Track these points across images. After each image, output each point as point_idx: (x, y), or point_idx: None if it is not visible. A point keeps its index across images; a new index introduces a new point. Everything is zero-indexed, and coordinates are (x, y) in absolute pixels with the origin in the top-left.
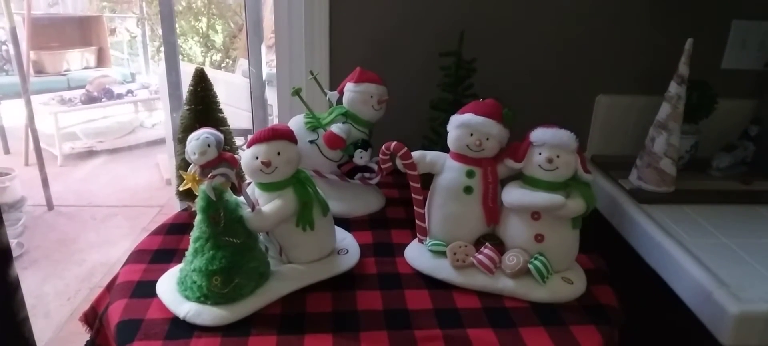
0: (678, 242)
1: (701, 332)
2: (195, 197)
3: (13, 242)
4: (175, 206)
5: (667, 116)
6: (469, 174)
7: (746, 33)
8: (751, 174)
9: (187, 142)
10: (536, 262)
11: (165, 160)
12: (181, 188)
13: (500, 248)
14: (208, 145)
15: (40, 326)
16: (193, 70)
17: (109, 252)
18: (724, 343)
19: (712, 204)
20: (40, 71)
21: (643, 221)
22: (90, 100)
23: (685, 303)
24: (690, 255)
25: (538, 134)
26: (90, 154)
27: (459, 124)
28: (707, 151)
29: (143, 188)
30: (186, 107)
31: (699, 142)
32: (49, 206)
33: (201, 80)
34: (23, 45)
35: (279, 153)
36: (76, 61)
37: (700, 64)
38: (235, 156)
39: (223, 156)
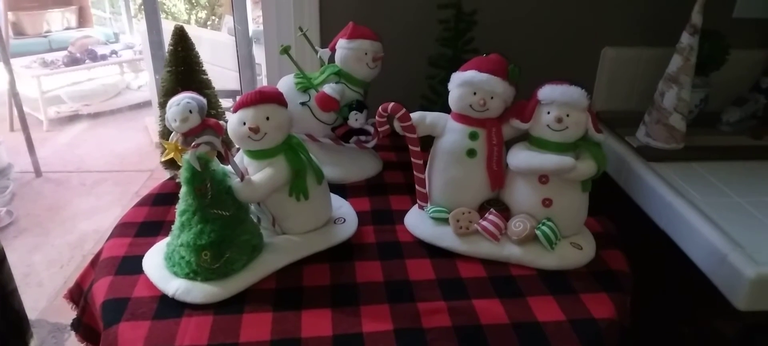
0: (689, 201)
1: (715, 296)
2: (179, 166)
3: (2, 210)
4: (166, 171)
5: (678, 69)
6: (473, 136)
7: None
8: (762, 128)
9: (167, 109)
10: (544, 227)
11: (153, 122)
12: (163, 159)
13: (505, 213)
14: (190, 112)
15: (33, 296)
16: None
17: (100, 219)
18: (738, 307)
19: (722, 160)
20: (19, 33)
21: (652, 180)
22: (73, 62)
23: (697, 266)
24: (702, 215)
25: (547, 92)
26: (76, 118)
27: (461, 83)
28: (717, 105)
29: (132, 152)
30: (166, 69)
31: (709, 96)
32: (37, 172)
33: (181, 40)
34: (0, 5)
35: (268, 118)
36: (57, 21)
37: (710, 14)
38: (221, 122)
39: (207, 123)
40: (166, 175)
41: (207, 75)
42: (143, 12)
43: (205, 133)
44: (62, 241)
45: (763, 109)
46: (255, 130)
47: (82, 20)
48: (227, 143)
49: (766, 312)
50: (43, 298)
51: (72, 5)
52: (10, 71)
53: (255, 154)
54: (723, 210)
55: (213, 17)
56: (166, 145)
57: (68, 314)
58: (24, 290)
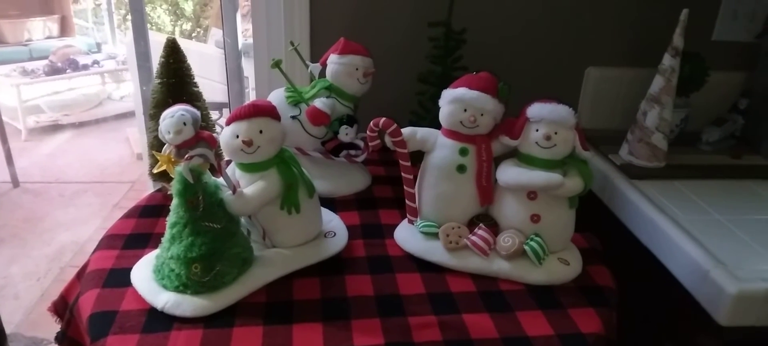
0: (672, 219)
1: (697, 312)
2: (170, 178)
3: None
4: (148, 182)
5: (660, 90)
6: (463, 152)
7: (737, 4)
8: (740, 148)
9: (161, 120)
10: (532, 243)
11: (135, 133)
12: (155, 170)
13: (494, 228)
14: (184, 124)
15: (9, 309)
16: (161, 40)
17: (79, 231)
18: (721, 322)
19: (702, 179)
20: None
21: (635, 198)
22: (54, 71)
23: (680, 282)
24: (685, 232)
25: (535, 110)
26: (56, 128)
27: (452, 99)
28: (697, 125)
29: (113, 163)
30: (157, 81)
31: (689, 116)
32: (15, 182)
33: (173, 51)
34: None
35: (261, 131)
36: (38, 30)
37: (691, 37)
38: (214, 134)
39: (201, 135)
40: (147, 187)
41: (198, 87)
42: (127, 22)
43: (198, 146)
44: (40, 253)
45: (741, 130)
46: (248, 143)
47: (64, 29)
48: (220, 156)
49: (747, 328)
50: (20, 311)
51: (54, 14)
52: None
53: (247, 167)
54: (704, 227)
55: (198, 29)
56: (158, 157)
57: (45, 327)
58: (0, 303)
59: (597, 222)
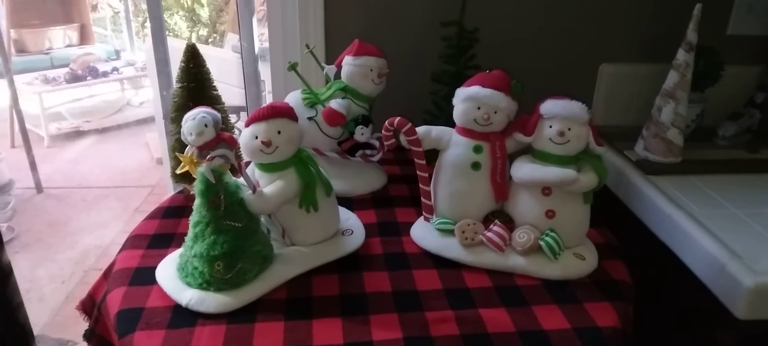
0: (688, 213)
1: (714, 306)
2: (192, 179)
3: (3, 226)
4: (167, 186)
5: (675, 85)
6: (477, 149)
7: None
8: (756, 142)
9: (183, 123)
10: (547, 238)
11: (154, 138)
12: (178, 171)
13: (509, 224)
14: (206, 126)
15: (35, 311)
16: (179, 46)
17: (102, 234)
18: (738, 316)
19: (719, 174)
20: (21, 50)
21: (651, 193)
22: (75, 79)
23: (697, 276)
24: (701, 227)
25: (549, 106)
26: (77, 134)
27: (465, 98)
28: (712, 120)
29: (133, 168)
30: (178, 85)
31: (705, 111)
32: (39, 188)
33: (193, 56)
34: (3, 23)
35: (279, 132)
36: (59, 38)
37: (705, 31)
38: (234, 136)
39: (222, 136)
40: (166, 191)
41: (217, 91)
42: (145, 30)
43: (219, 147)
44: (64, 256)
45: (757, 124)
46: (267, 143)
47: (84, 37)
48: (240, 156)
49: (764, 321)
50: (46, 313)
51: (74, 23)
52: (13, 88)
53: (266, 167)
54: (721, 221)
55: (214, 34)
56: (182, 158)
57: (71, 329)
58: (26, 306)
59: (613, 218)
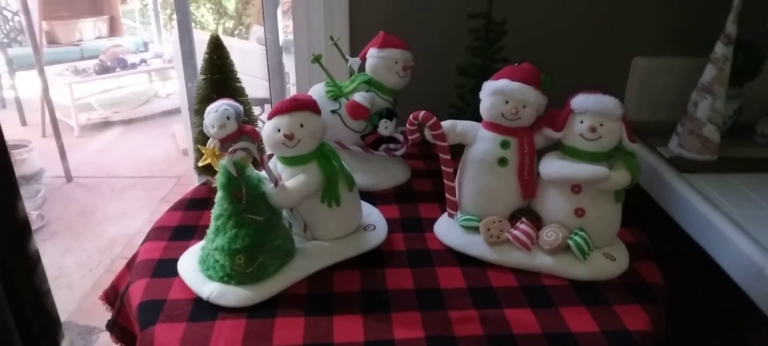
0: (725, 214)
1: (751, 310)
2: (214, 171)
3: (33, 214)
4: (192, 177)
5: (712, 79)
6: (504, 145)
7: None
8: None
9: (205, 115)
10: (576, 238)
11: (181, 130)
12: (200, 164)
13: (537, 223)
14: (228, 118)
15: (63, 298)
16: (205, 38)
17: (129, 223)
18: None
19: (757, 172)
20: (52, 42)
21: (686, 192)
22: (104, 70)
23: (732, 279)
24: (738, 228)
25: (580, 101)
26: (106, 124)
27: (493, 91)
28: (750, 116)
29: (160, 159)
30: (202, 77)
31: (743, 107)
32: (68, 177)
33: (217, 48)
34: (35, 15)
35: (302, 125)
36: (89, 30)
37: (744, 23)
38: (256, 129)
39: (244, 129)
40: (192, 181)
41: (241, 83)
42: (173, 22)
43: (241, 140)
44: (92, 245)
45: None
46: (289, 137)
47: (113, 29)
48: (262, 149)
49: None
50: (73, 300)
51: (103, 15)
52: (44, 79)
53: (289, 161)
54: (760, 223)
55: (240, 26)
56: (204, 151)
57: (97, 316)
58: (54, 292)
59: (644, 217)
